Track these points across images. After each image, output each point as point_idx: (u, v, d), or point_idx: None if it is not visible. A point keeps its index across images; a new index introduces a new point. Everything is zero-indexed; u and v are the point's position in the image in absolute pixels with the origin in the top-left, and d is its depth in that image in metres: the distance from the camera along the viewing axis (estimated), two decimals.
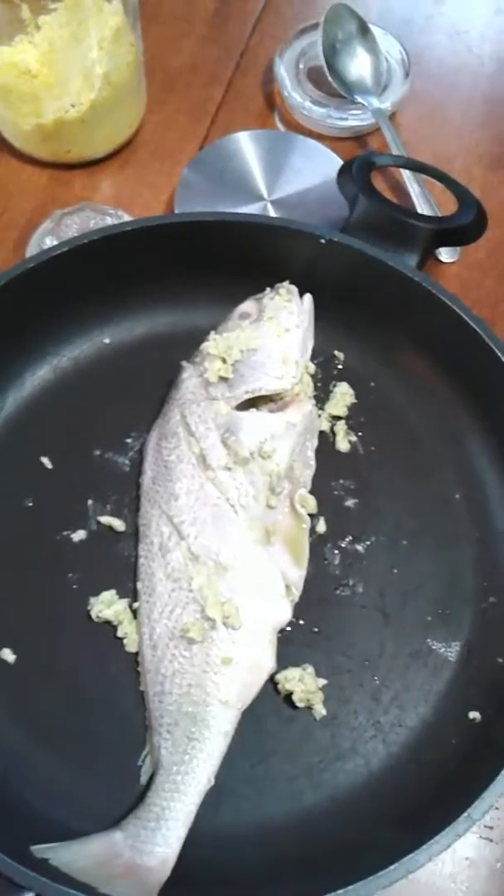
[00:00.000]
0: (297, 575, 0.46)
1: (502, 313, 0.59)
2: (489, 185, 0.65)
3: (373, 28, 0.67)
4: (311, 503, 0.48)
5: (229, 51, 0.71)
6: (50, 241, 0.57)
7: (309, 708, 0.45)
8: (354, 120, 0.66)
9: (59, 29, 0.57)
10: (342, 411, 0.53)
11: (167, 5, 0.73)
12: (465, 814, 0.38)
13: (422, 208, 0.61)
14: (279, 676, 0.45)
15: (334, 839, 0.42)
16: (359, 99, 0.65)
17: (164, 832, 0.40)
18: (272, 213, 0.61)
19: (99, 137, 0.63)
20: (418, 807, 0.41)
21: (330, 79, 0.66)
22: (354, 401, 0.53)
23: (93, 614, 0.46)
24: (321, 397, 0.53)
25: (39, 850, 0.39)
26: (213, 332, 0.51)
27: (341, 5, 0.66)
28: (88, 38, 0.58)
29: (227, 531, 0.46)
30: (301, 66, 0.68)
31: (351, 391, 0.53)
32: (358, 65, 0.66)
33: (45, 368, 0.54)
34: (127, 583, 0.47)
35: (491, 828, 0.45)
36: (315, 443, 0.50)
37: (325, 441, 0.52)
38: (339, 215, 0.57)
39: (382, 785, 0.43)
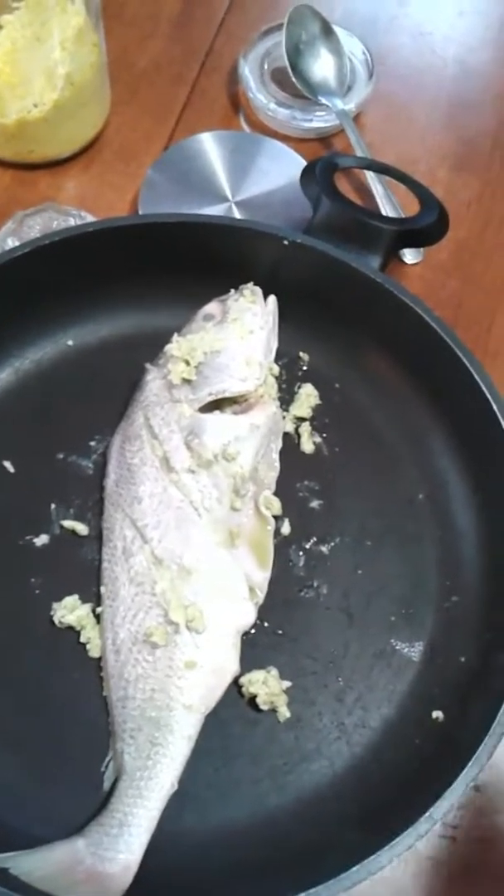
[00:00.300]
0: (262, 577, 0.46)
1: (465, 314, 0.60)
2: (453, 187, 0.65)
3: (336, 29, 0.67)
4: (276, 505, 0.48)
5: (194, 51, 0.71)
6: (12, 242, 0.56)
7: (273, 710, 0.44)
8: (319, 121, 0.66)
9: (21, 29, 0.57)
10: (306, 413, 0.53)
11: (131, 5, 0.73)
12: (427, 814, 0.38)
13: (385, 210, 0.62)
14: (243, 679, 0.44)
15: (298, 841, 0.42)
16: (323, 100, 0.66)
17: (126, 838, 0.39)
18: (236, 214, 0.61)
19: (62, 137, 0.63)
20: (382, 807, 0.41)
21: (294, 80, 0.66)
22: (319, 402, 0.53)
23: (56, 619, 0.46)
24: (285, 399, 0.53)
25: None
26: (176, 334, 0.51)
27: (305, 6, 0.66)
28: (51, 38, 0.57)
29: (191, 534, 0.46)
30: (265, 66, 0.68)
31: (315, 392, 0.53)
32: (321, 66, 0.67)
33: (6, 371, 0.53)
34: (90, 587, 0.47)
35: (455, 827, 0.45)
36: (279, 444, 0.50)
37: (290, 442, 0.52)
38: (302, 217, 0.57)
39: (346, 786, 0.43)
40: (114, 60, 0.65)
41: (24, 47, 0.57)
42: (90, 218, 0.58)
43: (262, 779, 0.43)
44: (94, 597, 0.47)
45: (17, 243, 0.56)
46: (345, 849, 0.39)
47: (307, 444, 0.52)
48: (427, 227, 0.54)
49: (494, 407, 0.48)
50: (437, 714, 0.44)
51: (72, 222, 0.57)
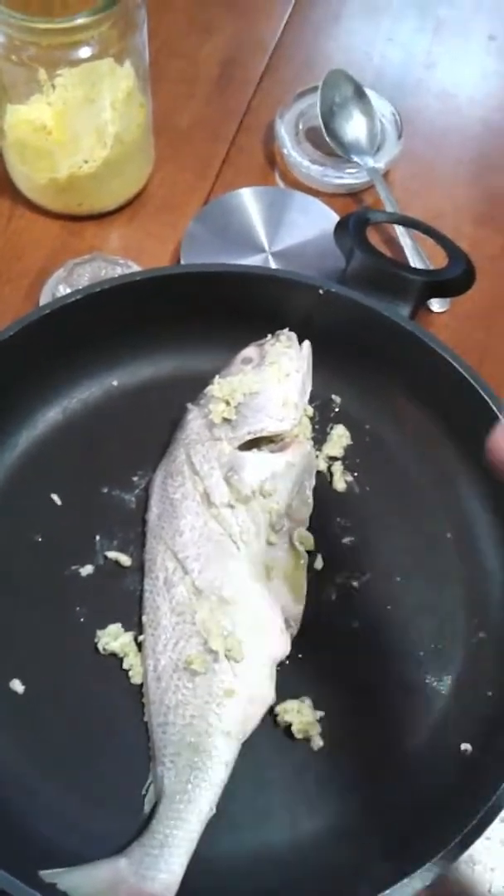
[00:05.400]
0: (296, 610, 0.48)
1: (490, 361, 0.62)
2: (477, 240, 0.68)
3: (368, 91, 0.71)
4: (309, 540, 0.50)
5: (232, 111, 0.75)
6: (63, 289, 0.60)
7: (307, 739, 0.46)
8: (350, 178, 0.69)
9: (73, 90, 0.60)
10: (339, 452, 0.55)
11: (174, 68, 0.77)
12: (458, 842, 0.40)
13: (414, 262, 0.65)
14: (278, 708, 0.46)
15: (331, 868, 0.43)
16: (354, 158, 0.69)
17: (167, 859, 0.41)
18: (273, 264, 0.64)
19: (110, 191, 0.67)
20: (412, 837, 0.42)
21: (327, 139, 0.70)
22: (350, 442, 0.55)
23: (99, 647, 0.48)
24: (319, 439, 0.55)
25: (48, 874, 0.40)
26: (217, 376, 0.54)
27: (339, 71, 0.70)
28: (101, 98, 0.60)
29: (230, 566, 0.48)
30: (300, 126, 0.72)
31: (347, 433, 0.56)
32: (354, 126, 0.70)
33: (55, 409, 0.56)
34: (133, 616, 0.49)
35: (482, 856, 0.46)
36: (313, 482, 0.52)
37: (323, 481, 0.54)
38: (335, 267, 0.60)
39: (377, 815, 0.44)
40: (157, 119, 0.68)
41: (76, 107, 0.61)
42: (136, 267, 0.61)
43: (295, 805, 0.45)
44: (136, 625, 0.49)
45: (67, 290, 0.59)
46: (375, 876, 0.40)
47: (339, 483, 0.54)
48: (455, 278, 0.57)
49: None
50: (466, 746, 0.45)
51: (119, 271, 0.61)
